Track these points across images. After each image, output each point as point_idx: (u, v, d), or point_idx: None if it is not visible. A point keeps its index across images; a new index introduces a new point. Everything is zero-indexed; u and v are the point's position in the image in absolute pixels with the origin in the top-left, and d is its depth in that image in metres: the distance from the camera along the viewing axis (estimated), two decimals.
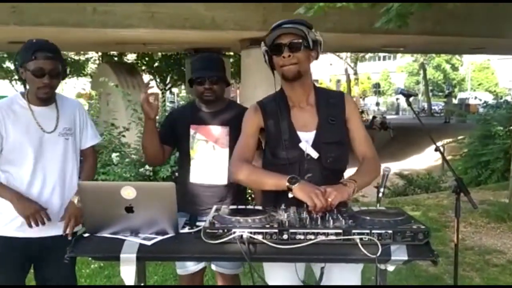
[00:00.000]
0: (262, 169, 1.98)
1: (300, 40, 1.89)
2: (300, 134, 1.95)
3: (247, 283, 3.59)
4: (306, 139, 1.94)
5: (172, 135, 2.46)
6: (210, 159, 2.38)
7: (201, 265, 2.48)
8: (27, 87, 2.22)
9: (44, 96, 2.19)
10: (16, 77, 22.22)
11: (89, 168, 2.44)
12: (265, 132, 2.01)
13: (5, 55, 19.65)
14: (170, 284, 3.62)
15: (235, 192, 2.40)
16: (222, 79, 2.40)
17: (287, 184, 1.76)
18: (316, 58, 1.98)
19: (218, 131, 2.39)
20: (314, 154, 1.92)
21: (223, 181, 2.36)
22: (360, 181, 1.85)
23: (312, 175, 1.91)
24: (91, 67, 24.55)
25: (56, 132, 2.24)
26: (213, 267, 2.49)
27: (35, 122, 2.19)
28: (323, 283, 1.85)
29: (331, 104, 2.00)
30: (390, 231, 1.57)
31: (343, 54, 32.40)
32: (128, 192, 1.62)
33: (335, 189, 1.75)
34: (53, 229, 2.19)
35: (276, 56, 1.93)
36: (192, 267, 2.45)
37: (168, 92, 24.80)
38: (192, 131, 2.40)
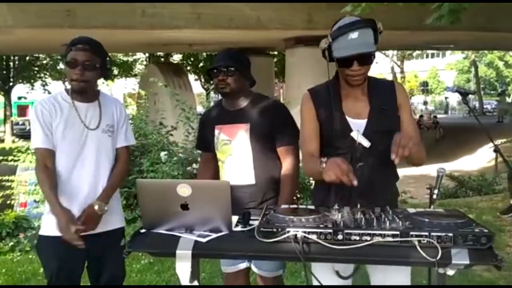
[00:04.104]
0: (316, 160, 1.91)
1: (370, 53, 1.84)
2: (352, 121, 1.92)
3: (294, 283, 3.58)
4: (358, 127, 1.91)
5: (207, 140, 2.43)
6: (234, 159, 2.31)
7: (246, 263, 2.43)
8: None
9: (76, 88, 2.14)
10: None
11: (117, 173, 2.27)
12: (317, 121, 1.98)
13: (59, 57, 20.53)
14: (218, 284, 3.65)
15: (267, 190, 2.31)
16: (238, 72, 2.29)
17: (320, 169, 1.74)
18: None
19: (239, 129, 2.30)
20: (366, 143, 1.88)
21: (251, 180, 2.29)
22: (414, 148, 1.73)
23: (364, 164, 1.89)
24: (138, 67, 25.25)
25: (99, 129, 2.21)
26: (254, 268, 2.42)
27: (79, 118, 2.17)
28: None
29: (382, 92, 1.98)
30: (450, 234, 1.51)
31: (389, 52, 31.68)
32: (184, 189, 1.65)
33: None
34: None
35: (344, 68, 1.88)
36: (237, 264, 2.42)
37: (212, 92, 25.10)
38: (216, 132, 2.35)
